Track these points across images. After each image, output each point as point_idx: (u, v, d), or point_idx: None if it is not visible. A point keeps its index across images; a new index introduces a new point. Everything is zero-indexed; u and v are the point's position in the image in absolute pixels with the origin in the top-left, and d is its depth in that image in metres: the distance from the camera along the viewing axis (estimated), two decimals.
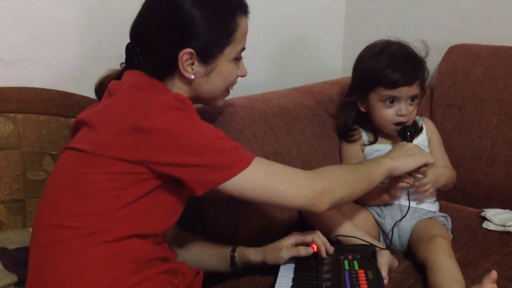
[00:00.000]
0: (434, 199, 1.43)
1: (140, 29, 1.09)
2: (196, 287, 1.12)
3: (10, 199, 1.22)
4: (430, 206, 1.40)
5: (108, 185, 0.97)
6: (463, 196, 1.60)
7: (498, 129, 1.57)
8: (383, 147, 1.41)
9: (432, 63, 1.80)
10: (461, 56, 1.69)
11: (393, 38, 1.43)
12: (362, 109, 1.42)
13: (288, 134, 1.41)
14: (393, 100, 1.35)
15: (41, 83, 1.35)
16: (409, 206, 1.32)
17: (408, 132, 1.35)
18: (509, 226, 1.41)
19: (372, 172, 1.18)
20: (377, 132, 1.43)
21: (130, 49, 1.10)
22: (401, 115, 1.35)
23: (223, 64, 1.09)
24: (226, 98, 1.21)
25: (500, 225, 1.42)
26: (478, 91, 1.63)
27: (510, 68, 1.59)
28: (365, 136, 1.44)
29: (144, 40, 1.08)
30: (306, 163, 1.42)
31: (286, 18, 1.86)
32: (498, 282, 1.10)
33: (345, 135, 1.46)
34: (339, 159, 1.50)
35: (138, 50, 1.08)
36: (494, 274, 1.09)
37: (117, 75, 1.12)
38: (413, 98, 1.37)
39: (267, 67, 1.83)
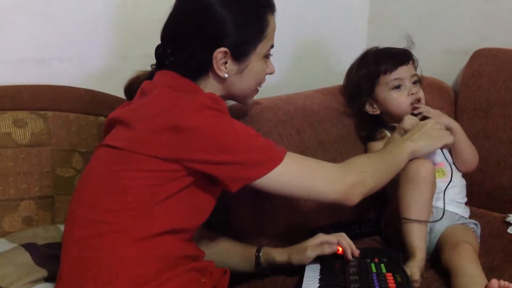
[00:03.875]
0: (465, 199, 1.43)
1: (172, 31, 1.11)
2: (223, 287, 1.13)
3: (40, 196, 1.24)
4: (463, 211, 1.40)
5: (144, 182, 0.99)
6: (487, 201, 1.59)
7: None
8: None
9: (457, 67, 1.80)
10: (486, 60, 1.68)
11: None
12: (376, 112, 1.46)
13: (313, 136, 1.42)
14: (399, 85, 1.41)
15: (70, 81, 1.37)
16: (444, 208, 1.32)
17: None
18: None
19: (397, 157, 1.21)
20: None
21: (161, 51, 1.12)
22: (413, 94, 1.41)
23: (255, 61, 1.11)
24: (258, 98, 1.22)
25: None
26: (504, 95, 1.61)
27: None
28: (389, 134, 1.45)
29: (176, 42, 1.09)
30: None
31: (310, 20, 1.87)
32: None
33: (371, 137, 1.47)
34: None
35: (169, 51, 1.10)
36: (494, 283, 1.07)
37: (148, 76, 1.14)
38: (415, 80, 1.43)
39: (289, 68, 1.84)
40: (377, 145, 1.45)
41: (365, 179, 1.12)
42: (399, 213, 1.27)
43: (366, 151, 1.49)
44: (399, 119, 1.43)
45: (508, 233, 1.42)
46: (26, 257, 1.11)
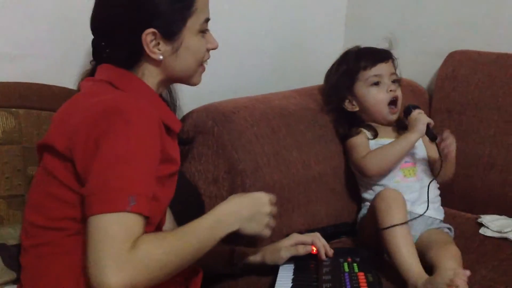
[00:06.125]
0: (439, 200, 1.45)
1: (99, 20, 1.06)
2: (196, 286, 1.11)
3: (10, 194, 1.21)
4: (437, 213, 1.41)
5: (69, 188, 0.94)
6: (460, 202, 1.61)
7: (496, 135, 1.59)
8: (386, 140, 1.44)
9: (432, 68, 1.82)
10: (460, 62, 1.70)
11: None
12: (355, 109, 1.48)
13: (289, 136, 1.42)
14: (378, 81, 1.44)
15: (45, 79, 1.34)
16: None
17: (412, 108, 1.40)
18: (506, 232, 1.42)
19: (209, 239, 1.02)
20: (376, 128, 1.47)
21: (95, 44, 1.07)
22: (391, 90, 1.44)
23: (189, 38, 1.04)
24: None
25: (497, 231, 1.43)
26: (477, 97, 1.64)
27: (510, 75, 1.61)
28: (367, 132, 1.47)
29: (106, 32, 1.05)
30: (307, 165, 1.43)
31: (287, 21, 1.87)
32: None
33: (349, 135, 1.47)
34: (339, 162, 1.51)
35: (103, 43, 1.05)
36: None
37: (90, 72, 1.09)
38: (394, 79, 1.46)
39: (267, 68, 1.84)
40: (357, 138, 1.45)
41: (147, 276, 0.87)
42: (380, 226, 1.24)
43: (344, 148, 1.50)
44: (376, 116, 1.45)
45: (480, 234, 1.45)
46: None
